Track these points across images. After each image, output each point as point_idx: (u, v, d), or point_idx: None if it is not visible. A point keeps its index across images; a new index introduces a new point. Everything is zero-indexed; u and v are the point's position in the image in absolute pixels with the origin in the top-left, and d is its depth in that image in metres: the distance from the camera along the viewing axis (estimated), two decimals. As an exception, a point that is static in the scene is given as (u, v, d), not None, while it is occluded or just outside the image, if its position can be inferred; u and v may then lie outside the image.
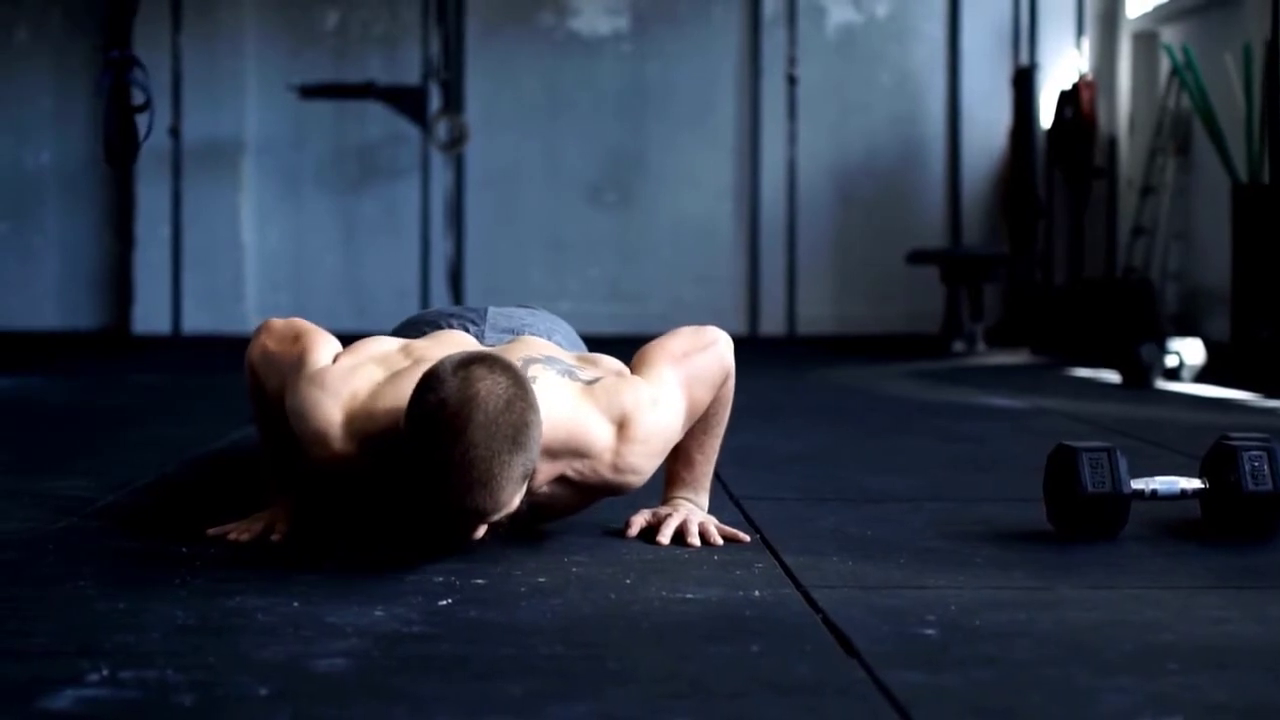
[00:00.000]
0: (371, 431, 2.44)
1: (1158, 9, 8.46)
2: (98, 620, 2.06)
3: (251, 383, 2.71)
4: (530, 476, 2.35)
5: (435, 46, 8.58)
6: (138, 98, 4.13)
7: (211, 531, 2.63)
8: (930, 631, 2.04)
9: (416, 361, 2.52)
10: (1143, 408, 5.09)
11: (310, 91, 8.21)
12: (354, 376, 2.50)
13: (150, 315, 8.94)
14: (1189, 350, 5.98)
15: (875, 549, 2.61)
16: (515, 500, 2.34)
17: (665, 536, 2.63)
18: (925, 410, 5.06)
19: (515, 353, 2.56)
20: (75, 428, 4.49)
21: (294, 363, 2.58)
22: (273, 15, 9.02)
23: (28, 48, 8.98)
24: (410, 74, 8.76)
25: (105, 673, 1.80)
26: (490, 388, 2.28)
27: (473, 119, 8.81)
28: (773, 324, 9.03)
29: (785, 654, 1.92)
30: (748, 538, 2.66)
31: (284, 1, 9.03)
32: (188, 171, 8.92)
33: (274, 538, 2.60)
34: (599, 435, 2.49)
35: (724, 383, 2.71)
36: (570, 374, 2.54)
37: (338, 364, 2.54)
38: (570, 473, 2.49)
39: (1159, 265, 8.09)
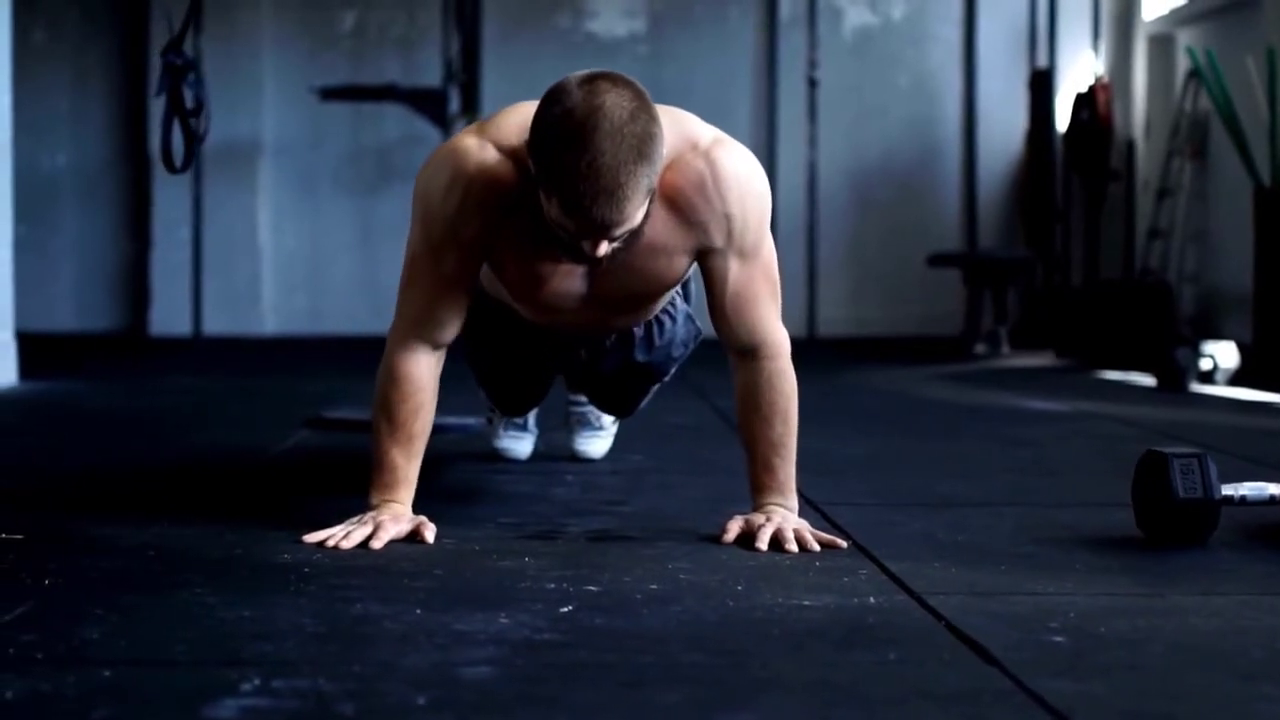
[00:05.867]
0: (504, 143, 2.53)
1: (1174, 12, 8.49)
2: (228, 628, 2.06)
3: (387, 362, 2.70)
4: (652, 197, 2.41)
5: (455, 48, 8.57)
6: (193, 101, 4.12)
7: (309, 538, 2.63)
8: (1059, 639, 2.04)
9: None
10: (1184, 411, 5.12)
11: (331, 94, 8.21)
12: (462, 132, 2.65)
13: (167, 317, 8.93)
14: (1222, 353, 6.02)
15: (971, 555, 2.62)
16: (638, 216, 2.41)
17: (763, 543, 2.64)
18: (970, 414, 5.07)
19: None
20: (130, 433, 4.48)
21: (409, 238, 2.66)
22: (290, 18, 9.02)
23: (44, 49, 8.97)
24: (427, 76, 8.75)
25: (257, 682, 1.80)
26: (616, 100, 2.35)
27: (490, 121, 8.80)
28: (792, 325, 8.91)
29: (926, 662, 1.93)
30: (844, 544, 2.67)
31: (301, 4, 9.03)
32: (205, 173, 8.91)
33: (374, 544, 2.60)
34: (703, 133, 2.59)
35: (779, 357, 2.74)
36: None
37: None
38: (669, 172, 2.52)
39: (1175, 268, 8.13)
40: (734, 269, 2.66)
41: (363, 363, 6.82)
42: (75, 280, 9.02)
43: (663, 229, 2.59)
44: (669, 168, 2.54)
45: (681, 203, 2.58)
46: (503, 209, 2.58)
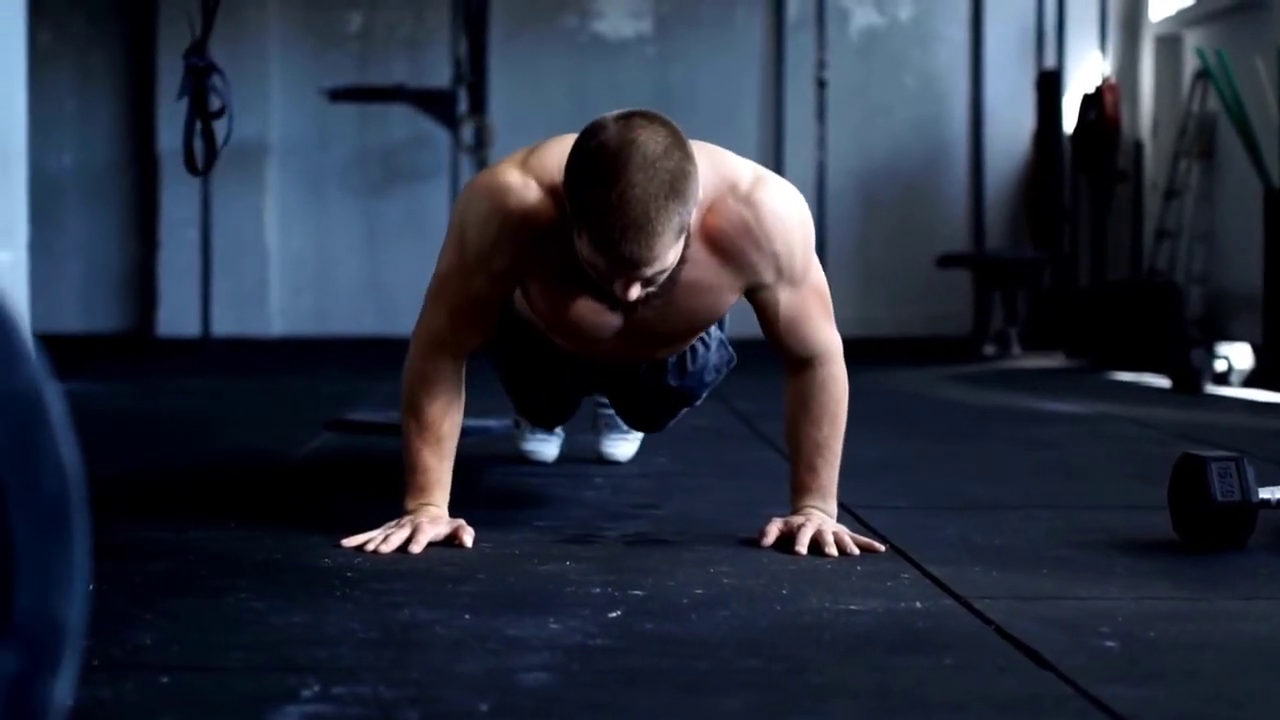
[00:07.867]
0: (546, 179, 2.53)
1: (1181, 12, 8.51)
2: (280, 634, 2.06)
3: (411, 367, 2.70)
4: (685, 237, 2.40)
5: (463, 49, 8.57)
6: (216, 104, 4.13)
7: (347, 542, 2.62)
8: (1110, 643, 2.04)
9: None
10: (1202, 413, 5.12)
11: (340, 95, 8.20)
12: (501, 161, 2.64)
13: (174, 318, 8.93)
14: (1237, 355, 6.03)
15: (1010, 558, 2.62)
16: (670, 256, 2.39)
17: (802, 546, 2.64)
18: (989, 415, 5.08)
19: None
20: (148, 435, 4.48)
21: (442, 254, 2.67)
22: (297, 19, 9.02)
23: (50, 50, 8.96)
24: (434, 77, 8.76)
25: (316, 688, 1.80)
26: (650, 135, 2.35)
27: (497, 122, 8.80)
28: (799, 327, 9.03)
29: (982, 667, 1.93)
30: (883, 547, 2.67)
31: (309, 5, 9.02)
32: (212, 174, 8.89)
33: (413, 548, 2.59)
34: (743, 171, 2.58)
35: (832, 362, 2.71)
36: None
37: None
38: (710, 215, 2.52)
39: (1183, 268, 8.14)
40: (785, 297, 2.66)
41: (371, 364, 6.87)
42: (82, 281, 9.02)
43: (706, 270, 2.58)
44: (709, 210, 2.53)
45: (725, 245, 2.57)
46: (540, 245, 2.57)
